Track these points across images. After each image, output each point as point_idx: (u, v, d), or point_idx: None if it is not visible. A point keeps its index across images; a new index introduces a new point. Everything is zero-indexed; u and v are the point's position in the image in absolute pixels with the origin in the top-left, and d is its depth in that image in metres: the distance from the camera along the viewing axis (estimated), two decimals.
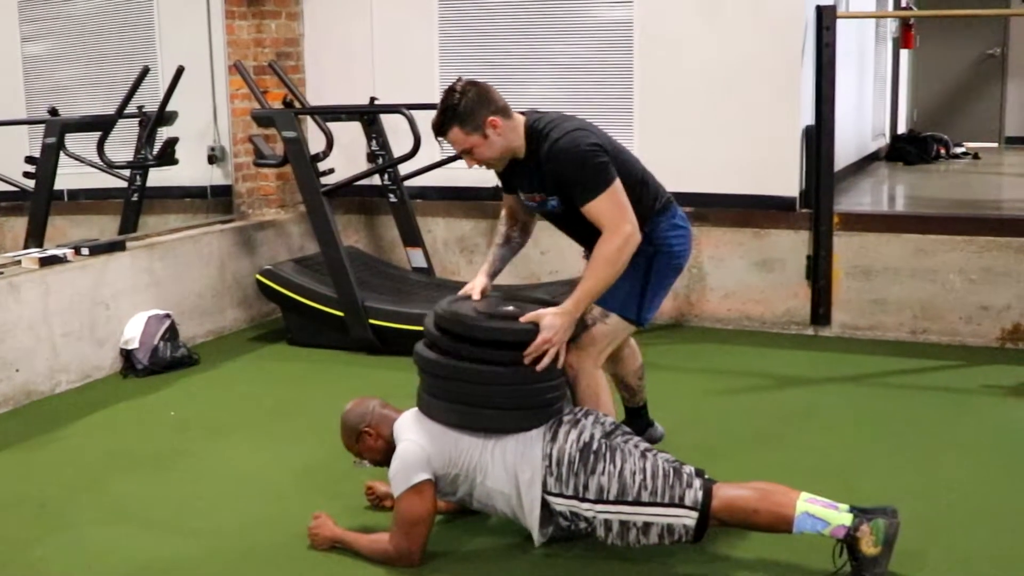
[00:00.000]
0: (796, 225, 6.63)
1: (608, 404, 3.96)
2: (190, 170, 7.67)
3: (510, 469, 3.52)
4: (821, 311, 6.59)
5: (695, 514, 3.37)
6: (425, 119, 6.81)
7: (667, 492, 3.39)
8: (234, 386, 5.87)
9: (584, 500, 3.44)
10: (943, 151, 10.73)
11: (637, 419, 4.51)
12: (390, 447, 3.66)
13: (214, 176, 7.72)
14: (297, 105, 6.88)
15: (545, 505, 3.51)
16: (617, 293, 3.84)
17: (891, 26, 10.65)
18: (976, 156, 10.86)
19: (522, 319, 3.54)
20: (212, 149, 7.64)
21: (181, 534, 3.94)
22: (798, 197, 6.65)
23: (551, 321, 3.53)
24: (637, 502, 3.40)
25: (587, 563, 3.61)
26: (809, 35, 6.55)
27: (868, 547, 3.29)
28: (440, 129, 3.72)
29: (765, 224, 6.71)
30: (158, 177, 7.49)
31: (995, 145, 12.24)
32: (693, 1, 6.78)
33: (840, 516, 3.32)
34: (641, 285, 3.93)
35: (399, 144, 6.76)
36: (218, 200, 7.70)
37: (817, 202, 6.53)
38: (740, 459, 4.54)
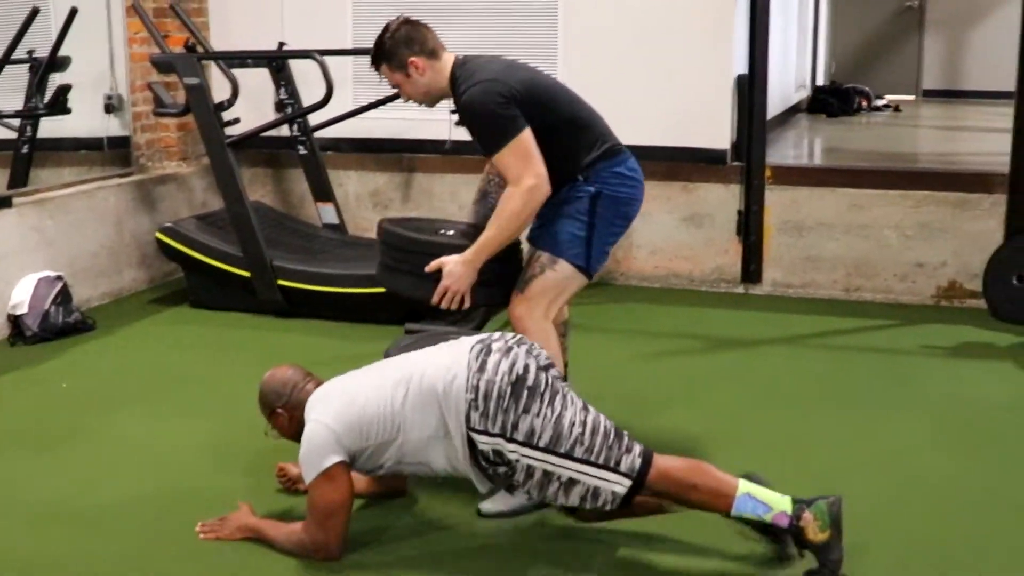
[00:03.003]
0: (727, 179, 6.39)
1: (557, 357, 3.70)
2: (86, 120, 7.22)
3: None
4: (752, 268, 6.38)
5: (628, 482, 3.08)
6: (337, 65, 6.51)
7: (604, 452, 3.09)
8: (132, 353, 5.46)
9: (511, 440, 3.09)
10: (865, 103, 10.67)
11: None
12: (302, 427, 3.32)
13: (111, 127, 7.26)
14: (200, 50, 6.43)
15: (473, 445, 3.16)
16: (562, 236, 3.72)
17: None
18: (897, 109, 10.83)
19: (427, 268, 3.63)
20: (109, 97, 7.18)
21: (67, 524, 3.54)
22: (729, 150, 6.39)
23: (451, 268, 3.60)
24: (569, 456, 3.09)
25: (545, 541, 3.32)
26: None
27: (815, 534, 3.05)
28: (373, 63, 3.85)
29: (694, 177, 6.46)
30: (51, 128, 7.03)
31: (912, 98, 12.24)
32: None
33: (783, 501, 3.08)
34: (586, 228, 3.72)
35: (309, 93, 6.38)
36: (116, 152, 7.25)
37: (749, 155, 6.29)
38: (661, 428, 4.25)
